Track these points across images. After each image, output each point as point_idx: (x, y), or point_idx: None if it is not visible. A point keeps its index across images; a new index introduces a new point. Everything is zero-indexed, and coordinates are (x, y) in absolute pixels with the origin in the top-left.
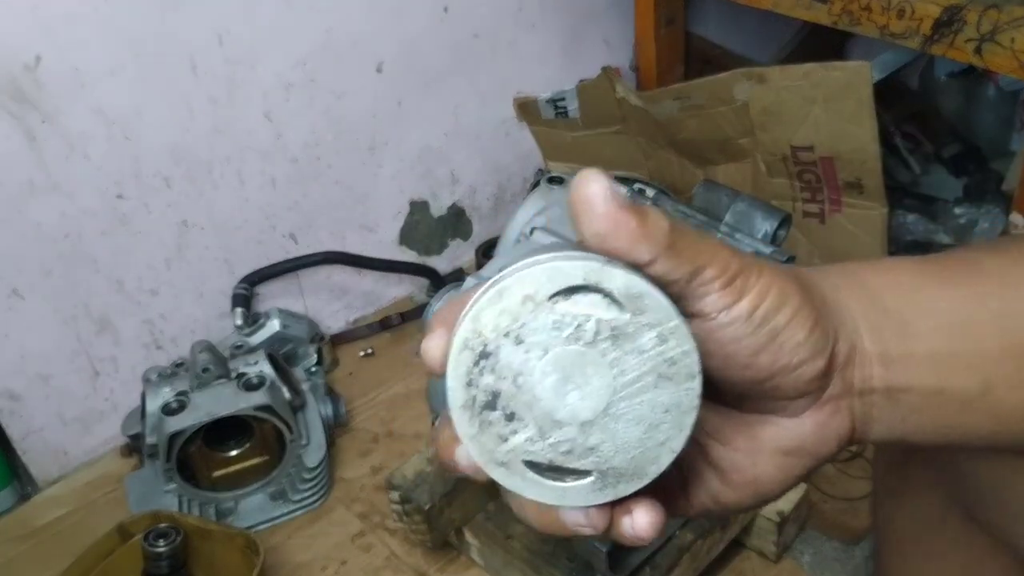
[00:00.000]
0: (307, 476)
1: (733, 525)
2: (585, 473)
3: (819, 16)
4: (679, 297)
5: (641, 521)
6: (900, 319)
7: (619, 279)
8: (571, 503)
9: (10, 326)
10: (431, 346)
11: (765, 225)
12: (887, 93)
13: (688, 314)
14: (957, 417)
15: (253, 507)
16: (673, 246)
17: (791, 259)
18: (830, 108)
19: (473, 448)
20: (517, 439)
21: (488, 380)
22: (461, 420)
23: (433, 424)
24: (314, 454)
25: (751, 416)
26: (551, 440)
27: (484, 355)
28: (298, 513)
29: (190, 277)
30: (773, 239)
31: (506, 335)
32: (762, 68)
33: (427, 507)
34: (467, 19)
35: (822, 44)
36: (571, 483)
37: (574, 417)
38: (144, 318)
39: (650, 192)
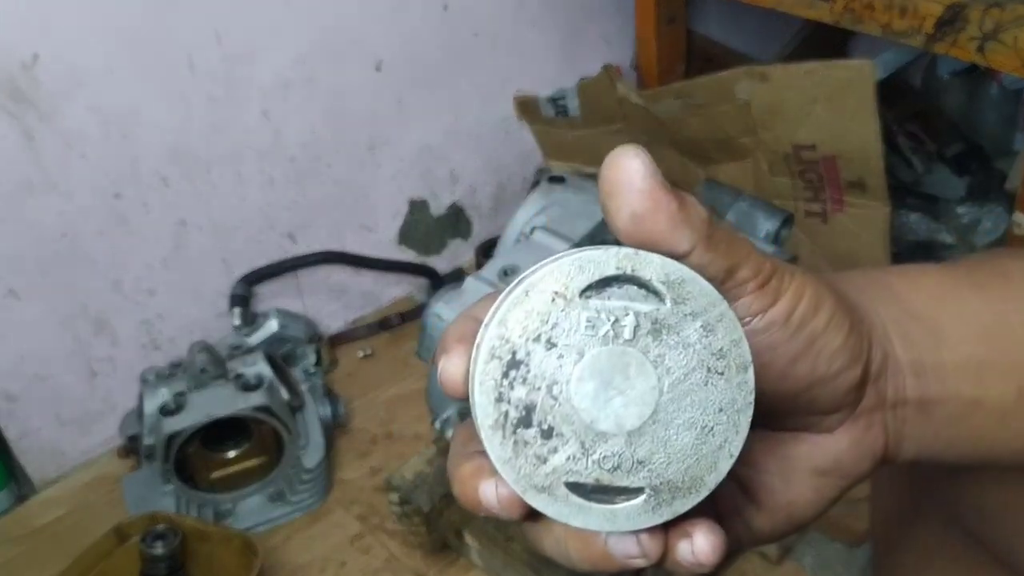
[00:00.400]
0: (306, 477)
1: None
2: (637, 491)
3: (821, 14)
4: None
5: (702, 545)
6: (931, 326)
7: (656, 265)
8: (623, 527)
9: (7, 326)
10: (449, 368)
11: (767, 225)
12: (890, 92)
13: None
14: (994, 429)
15: (251, 508)
16: (711, 237)
17: (793, 259)
18: (832, 107)
19: (508, 473)
20: (558, 458)
21: (520, 393)
22: (492, 442)
23: (433, 424)
24: (313, 455)
25: (782, 435)
26: (595, 456)
27: (514, 364)
28: (296, 515)
29: (188, 277)
30: (775, 239)
31: (536, 339)
32: (764, 66)
33: (427, 509)
34: (467, 17)
35: (824, 42)
36: (621, 504)
37: (619, 427)
38: (142, 318)
39: None
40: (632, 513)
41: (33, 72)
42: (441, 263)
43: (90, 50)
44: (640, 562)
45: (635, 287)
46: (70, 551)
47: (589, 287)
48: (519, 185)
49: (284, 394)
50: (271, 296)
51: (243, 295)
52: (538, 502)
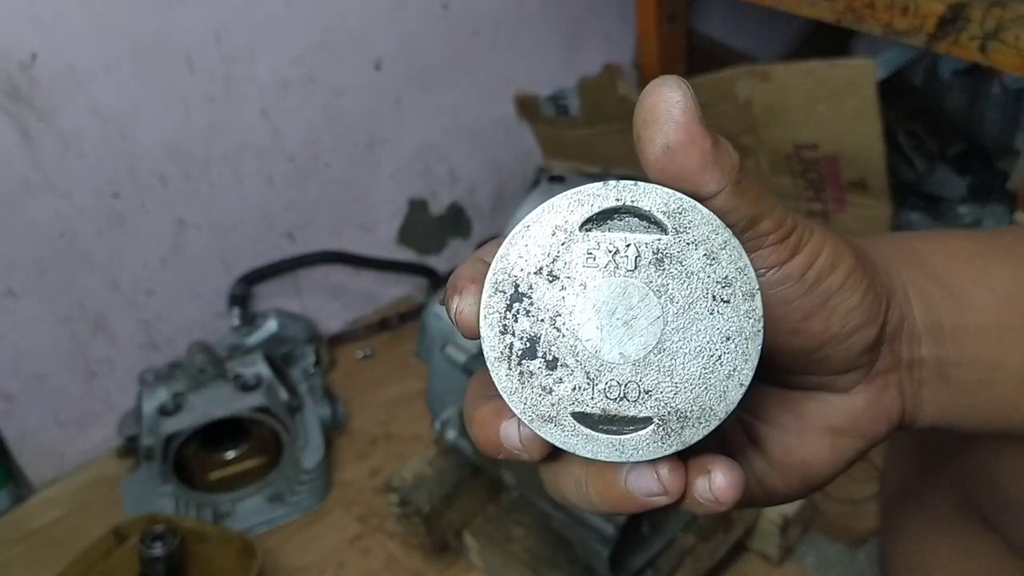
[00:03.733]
0: (304, 478)
1: (736, 527)
2: (644, 421)
3: (823, 13)
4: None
5: (720, 481)
6: (954, 290)
7: (657, 195)
8: (632, 457)
9: (5, 326)
10: (463, 308)
11: None
12: (891, 91)
13: None
14: (1015, 395)
15: (250, 509)
16: (740, 183)
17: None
18: (834, 106)
19: (515, 404)
20: (563, 388)
21: (524, 325)
22: (499, 374)
23: (433, 425)
24: (311, 456)
25: (798, 393)
26: (601, 386)
27: (517, 297)
28: (295, 515)
29: (186, 277)
30: None
31: (538, 272)
32: (765, 66)
33: (426, 510)
34: (466, 16)
35: (826, 42)
36: (630, 434)
37: (624, 357)
38: (140, 318)
39: None
40: (640, 443)
41: (31, 72)
42: (441, 263)
43: (89, 50)
44: (661, 500)
45: (636, 219)
46: (68, 552)
47: (590, 220)
48: (519, 184)
49: (283, 394)
50: (270, 296)
51: (242, 295)
52: (545, 431)
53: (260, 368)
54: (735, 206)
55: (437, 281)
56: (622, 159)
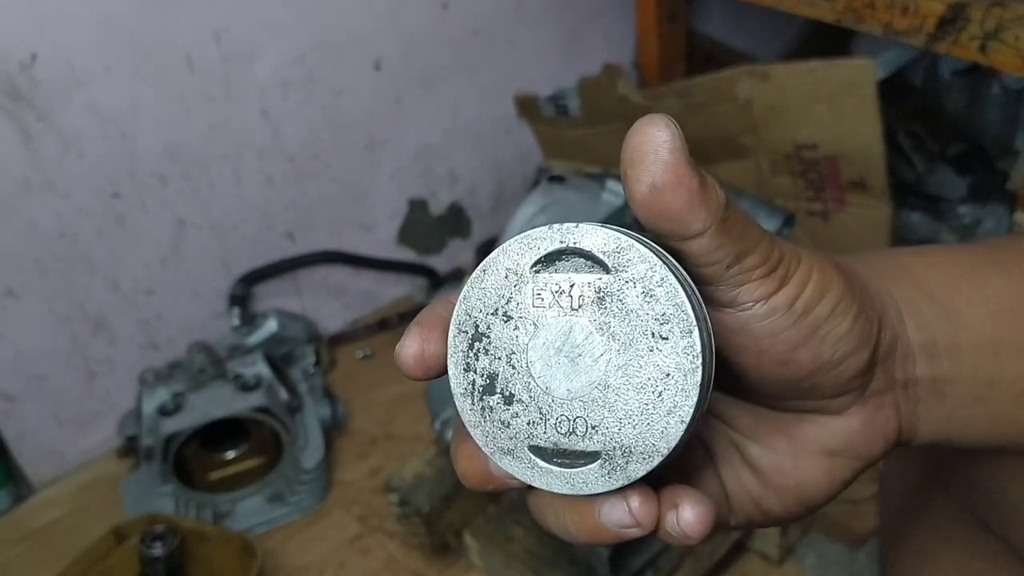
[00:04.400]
0: (304, 478)
1: None
2: (592, 455)
3: (823, 13)
4: (712, 281)
5: (687, 516)
6: (947, 306)
7: (597, 235)
8: (582, 490)
9: (5, 326)
10: (402, 349)
11: (768, 224)
12: (891, 91)
13: (720, 303)
14: (1011, 410)
15: (250, 509)
16: (726, 222)
17: None
18: (834, 106)
19: (479, 437)
20: (519, 423)
21: (484, 363)
22: (463, 408)
23: (433, 425)
24: (311, 456)
25: (792, 415)
26: (552, 420)
27: (477, 337)
28: (295, 515)
29: (187, 277)
30: None
31: (494, 313)
32: (765, 66)
33: (426, 510)
34: (466, 16)
35: (826, 42)
36: (580, 468)
37: (571, 393)
38: (140, 318)
39: None
40: (588, 477)
41: (31, 72)
42: (441, 263)
43: (88, 50)
44: (633, 532)
45: (581, 259)
46: (68, 552)
47: (538, 262)
48: (519, 184)
49: (283, 394)
50: (270, 296)
51: (242, 295)
52: (505, 463)
53: (260, 368)
54: (720, 244)
55: (437, 281)
56: None
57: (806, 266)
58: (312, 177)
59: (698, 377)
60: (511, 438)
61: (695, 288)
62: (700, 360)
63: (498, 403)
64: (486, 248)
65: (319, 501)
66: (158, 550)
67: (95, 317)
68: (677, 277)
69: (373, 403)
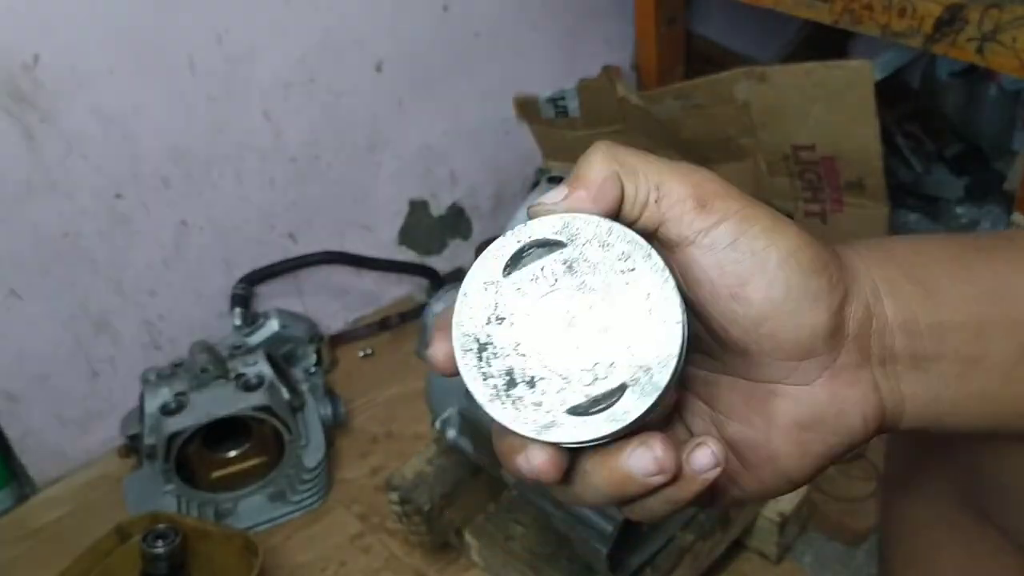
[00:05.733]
0: (306, 477)
1: (734, 526)
2: (621, 388)
3: (821, 15)
4: (654, 223)
5: (699, 455)
6: (932, 288)
7: (543, 223)
8: (625, 419)
9: (8, 326)
10: (435, 353)
11: None
12: (889, 92)
13: (670, 242)
14: (998, 389)
15: (252, 508)
16: (626, 164)
17: None
18: (832, 107)
19: (520, 427)
20: (550, 396)
21: (497, 365)
22: (497, 412)
23: (433, 424)
24: (313, 455)
25: (763, 387)
26: (575, 379)
27: (482, 348)
28: (297, 514)
29: (189, 277)
30: None
31: (488, 323)
32: (763, 67)
33: (427, 508)
34: (467, 18)
35: (823, 43)
36: (616, 404)
37: (580, 349)
38: (143, 318)
39: None
40: (627, 406)
41: (34, 73)
42: (441, 263)
43: (91, 51)
44: (659, 479)
45: (540, 248)
46: (71, 550)
47: (507, 266)
48: (519, 185)
49: (285, 394)
50: (272, 296)
51: (244, 295)
52: (553, 436)
53: (262, 367)
54: (635, 186)
55: (438, 281)
56: None
57: (751, 210)
58: (313, 178)
59: (671, 283)
60: (548, 411)
61: (639, 232)
62: (667, 271)
63: (524, 391)
64: (485, 249)
65: (320, 500)
66: (160, 548)
67: (98, 317)
68: (621, 224)
69: (374, 402)
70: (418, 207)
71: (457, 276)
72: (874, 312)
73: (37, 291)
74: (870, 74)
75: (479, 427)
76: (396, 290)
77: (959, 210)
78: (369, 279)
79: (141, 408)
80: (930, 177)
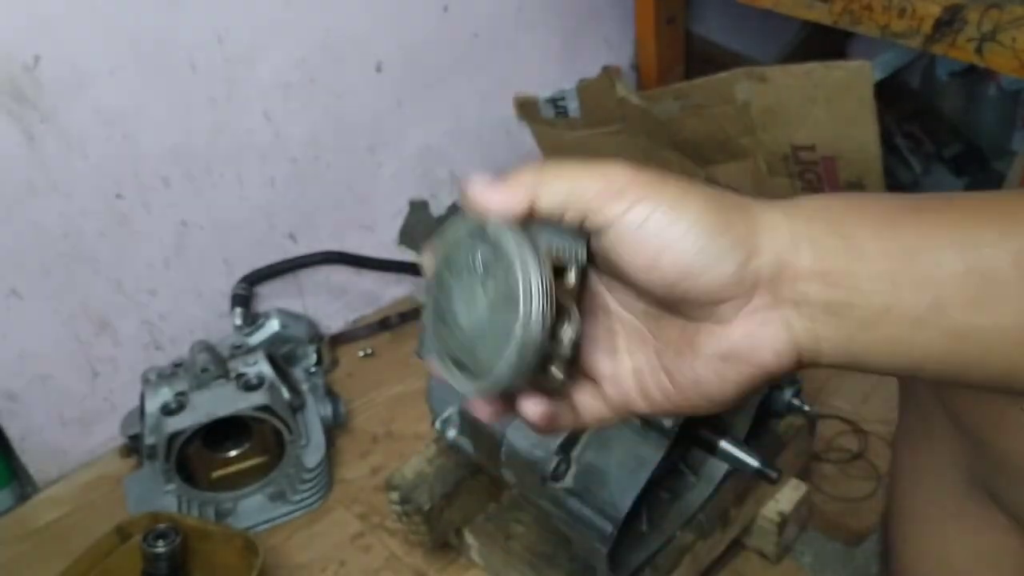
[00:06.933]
0: (306, 477)
1: (734, 525)
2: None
3: (820, 15)
4: (585, 215)
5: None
6: (853, 242)
7: (451, 231)
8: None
9: (9, 326)
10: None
11: None
12: (888, 93)
13: (599, 228)
14: (908, 336)
15: (252, 508)
16: (544, 176)
17: None
18: (831, 108)
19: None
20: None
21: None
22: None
23: (433, 424)
24: (313, 454)
25: (691, 324)
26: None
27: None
28: (297, 514)
29: (189, 277)
30: None
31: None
32: (763, 67)
33: (427, 508)
34: (467, 18)
35: (823, 43)
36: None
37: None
38: (143, 318)
39: None
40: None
41: (35, 73)
42: None
43: (92, 51)
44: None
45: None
46: (72, 550)
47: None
48: None
49: (285, 394)
50: (272, 296)
51: (244, 295)
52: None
53: (262, 367)
54: (551, 193)
55: None
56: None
57: (663, 190)
58: (314, 178)
59: (533, 257)
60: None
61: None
62: (530, 257)
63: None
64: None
65: (321, 499)
66: (161, 547)
67: (98, 317)
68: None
69: (374, 402)
70: (418, 207)
71: None
72: (788, 262)
73: (38, 291)
74: (870, 74)
75: (479, 427)
76: (396, 290)
77: None
78: (369, 279)
79: (142, 408)
80: (929, 177)
